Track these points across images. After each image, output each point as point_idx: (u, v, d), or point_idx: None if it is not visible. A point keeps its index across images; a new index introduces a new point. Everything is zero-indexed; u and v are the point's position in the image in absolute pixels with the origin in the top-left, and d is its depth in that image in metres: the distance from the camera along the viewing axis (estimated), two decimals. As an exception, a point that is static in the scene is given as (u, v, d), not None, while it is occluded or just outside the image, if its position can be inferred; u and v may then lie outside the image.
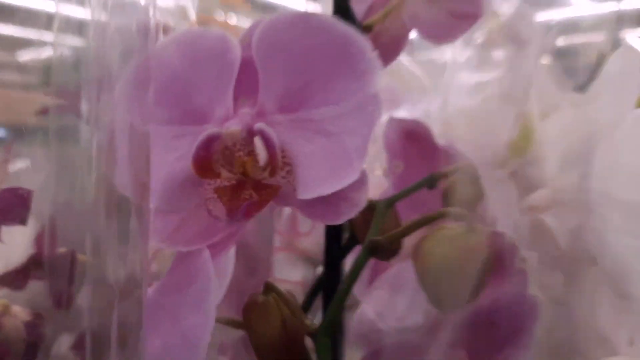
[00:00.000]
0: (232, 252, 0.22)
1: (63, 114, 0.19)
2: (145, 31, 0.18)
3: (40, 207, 0.19)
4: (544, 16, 0.25)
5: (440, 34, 0.23)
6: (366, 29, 0.21)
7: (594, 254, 0.17)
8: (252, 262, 0.26)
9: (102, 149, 0.18)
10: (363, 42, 0.18)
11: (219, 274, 0.20)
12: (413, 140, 0.26)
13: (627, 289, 0.16)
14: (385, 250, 0.19)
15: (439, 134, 0.24)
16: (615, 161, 0.16)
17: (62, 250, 0.19)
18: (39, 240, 0.21)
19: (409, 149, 0.26)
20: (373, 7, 0.24)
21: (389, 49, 0.24)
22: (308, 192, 0.18)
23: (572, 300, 0.20)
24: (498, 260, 0.19)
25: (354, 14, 0.21)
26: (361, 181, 0.17)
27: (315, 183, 0.18)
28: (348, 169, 0.17)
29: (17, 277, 0.21)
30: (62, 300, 0.20)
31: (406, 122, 0.25)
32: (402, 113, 0.25)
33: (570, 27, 0.33)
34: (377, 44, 0.23)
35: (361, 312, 0.25)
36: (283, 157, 0.18)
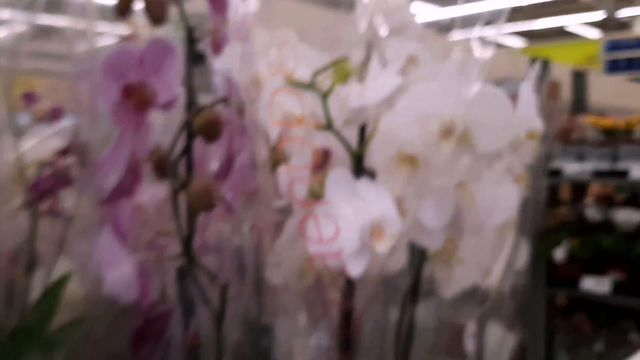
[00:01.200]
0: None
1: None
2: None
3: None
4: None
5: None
6: (197, 39, 0.52)
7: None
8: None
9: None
10: (177, 48, 0.48)
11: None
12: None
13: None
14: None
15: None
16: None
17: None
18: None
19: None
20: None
21: (218, 47, 0.54)
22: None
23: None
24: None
25: (194, 36, 0.51)
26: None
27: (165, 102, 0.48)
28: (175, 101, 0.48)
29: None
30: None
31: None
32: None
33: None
34: (214, 43, 0.54)
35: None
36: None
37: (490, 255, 0.67)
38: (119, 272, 0.47)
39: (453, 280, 0.63)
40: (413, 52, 0.58)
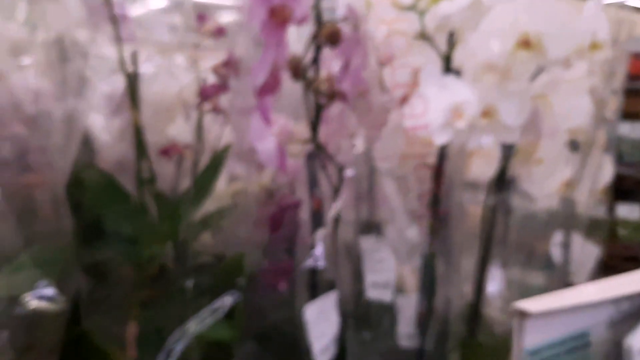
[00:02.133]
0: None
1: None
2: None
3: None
4: None
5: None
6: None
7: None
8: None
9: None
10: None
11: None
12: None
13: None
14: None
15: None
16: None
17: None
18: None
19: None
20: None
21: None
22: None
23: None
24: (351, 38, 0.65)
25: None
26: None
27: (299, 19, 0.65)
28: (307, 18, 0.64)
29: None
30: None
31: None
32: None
33: None
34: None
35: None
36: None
37: (564, 159, 0.78)
38: (265, 145, 0.64)
39: (533, 177, 0.75)
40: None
